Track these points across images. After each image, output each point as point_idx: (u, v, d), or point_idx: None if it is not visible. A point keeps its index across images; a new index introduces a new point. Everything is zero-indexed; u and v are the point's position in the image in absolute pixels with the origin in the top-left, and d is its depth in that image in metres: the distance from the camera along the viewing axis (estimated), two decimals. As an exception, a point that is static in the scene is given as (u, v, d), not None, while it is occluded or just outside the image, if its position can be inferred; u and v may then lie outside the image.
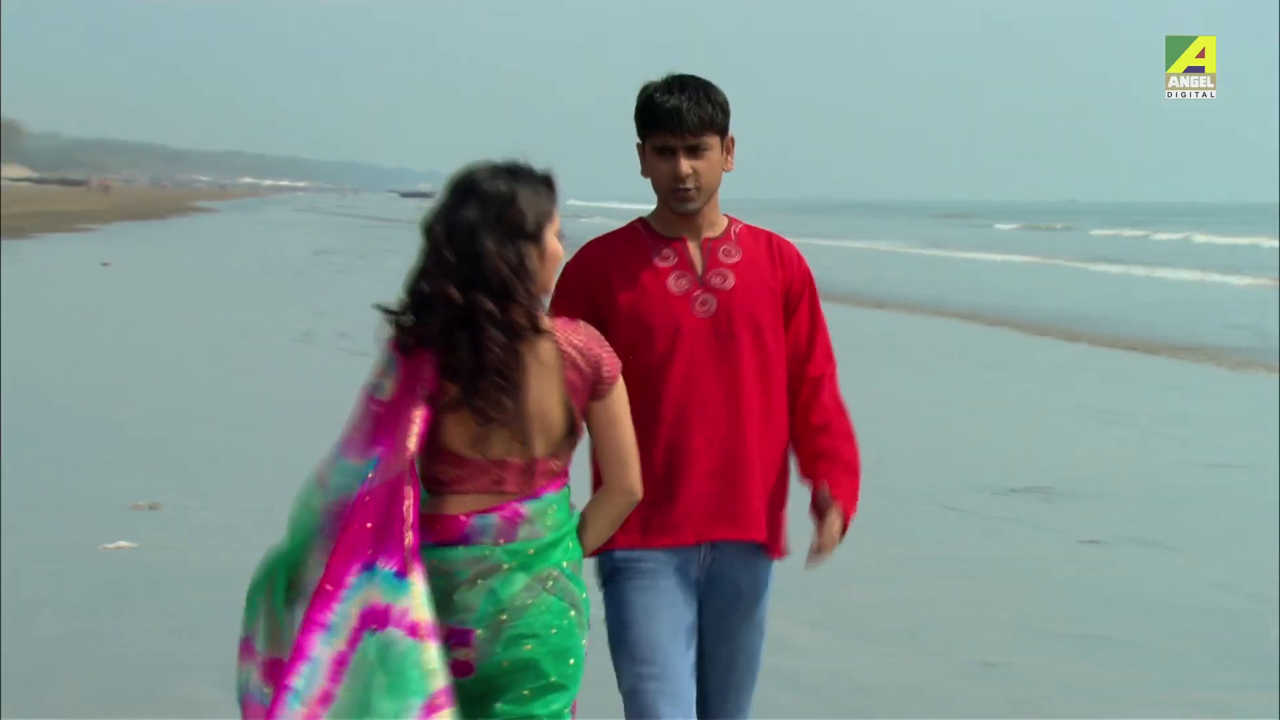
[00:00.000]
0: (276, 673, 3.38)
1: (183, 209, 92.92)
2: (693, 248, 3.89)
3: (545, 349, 3.40)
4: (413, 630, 3.26)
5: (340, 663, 3.27)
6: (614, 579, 3.84)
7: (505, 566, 3.38)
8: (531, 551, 3.40)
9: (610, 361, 3.47)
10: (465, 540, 3.39)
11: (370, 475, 3.33)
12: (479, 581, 3.38)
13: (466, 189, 3.40)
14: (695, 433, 3.82)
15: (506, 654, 3.38)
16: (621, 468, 3.49)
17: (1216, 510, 9.95)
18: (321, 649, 3.28)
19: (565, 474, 3.48)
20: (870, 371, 15.80)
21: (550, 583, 3.41)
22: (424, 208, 3.62)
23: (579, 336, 3.45)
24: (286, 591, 3.45)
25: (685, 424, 3.82)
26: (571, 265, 3.82)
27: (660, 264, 3.87)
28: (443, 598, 3.35)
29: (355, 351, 16.63)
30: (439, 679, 3.27)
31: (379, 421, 3.37)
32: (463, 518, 3.39)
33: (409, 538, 3.30)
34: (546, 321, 3.41)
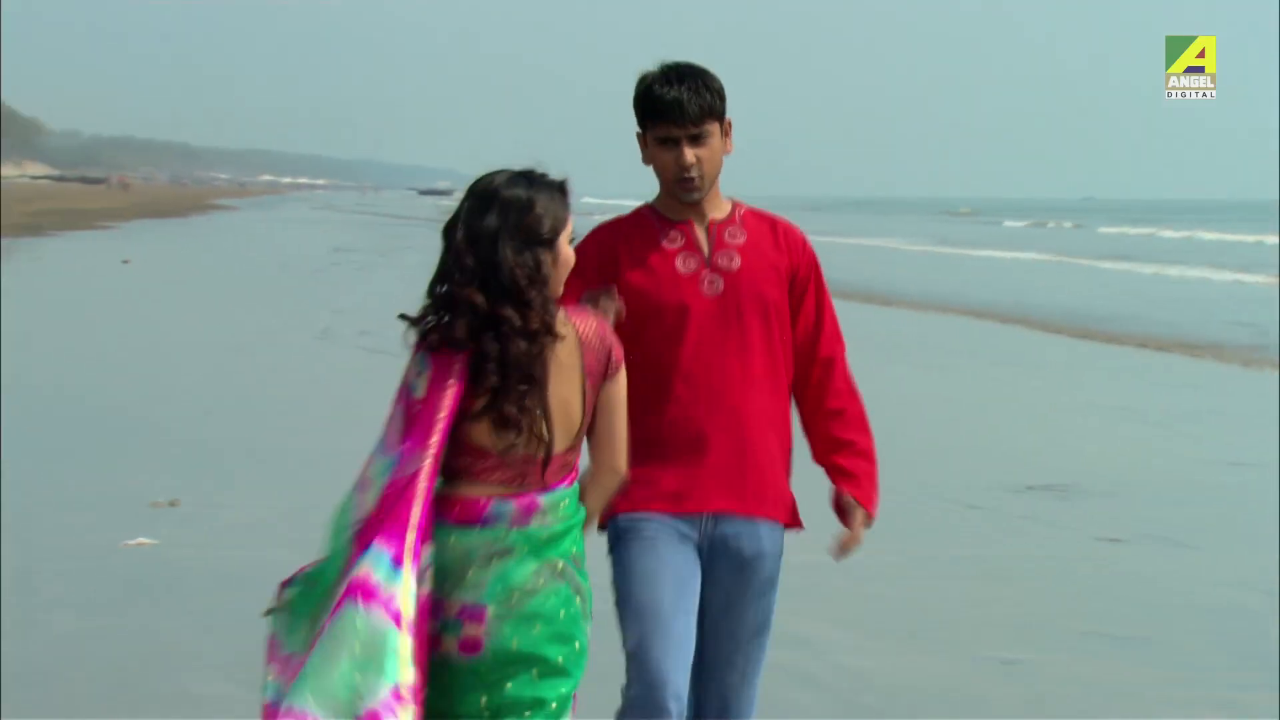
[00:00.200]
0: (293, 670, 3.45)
1: (202, 207, 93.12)
2: (699, 230, 4.00)
3: (564, 346, 3.54)
4: (396, 618, 3.33)
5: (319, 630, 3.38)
6: (619, 543, 3.95)
7: (518, 550, 3.51)
8: (545, 538, 3.53)
9: (618, 347, 3.63)
10: (483, 523, 3.51)
11: (396, 467, 3.45)
12: (493, 562, 3.50)
13: (487, 196, 3.53)
14: (702, 409, 3.93)
15: (516, 634, 3.49)
16: (614, 449, 3.65)
17: (1233, 508, 9.94)
18: None
19: (576, 468, 3.62)
20: (884, 369, 15.79)
21: (559, 569, 3.54)
22: (442, 205, 3.68)
23: (591, 322, 3.61)
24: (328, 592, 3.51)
25: (693, 400, 3.93)
26: (581, 246, 3.89)
27: (668, 246, 3.98)
28: (458, 576, 3.49)
29: (375, 349, 16.67)
30: (411, 673, 3.34)
31: (412, 419, 3.49)
32: (482, 501, 3.52)
33: (412, 534, 3.39)
34: (563, 325, 3.54)
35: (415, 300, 3.69)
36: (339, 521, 3.52)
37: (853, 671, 6.46)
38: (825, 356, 4.08)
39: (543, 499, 3.53)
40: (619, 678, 3.94)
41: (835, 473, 4.08)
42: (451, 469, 3.53)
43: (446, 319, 3.49)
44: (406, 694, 3.32)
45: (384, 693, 3.29)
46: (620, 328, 3.79)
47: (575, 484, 3.62)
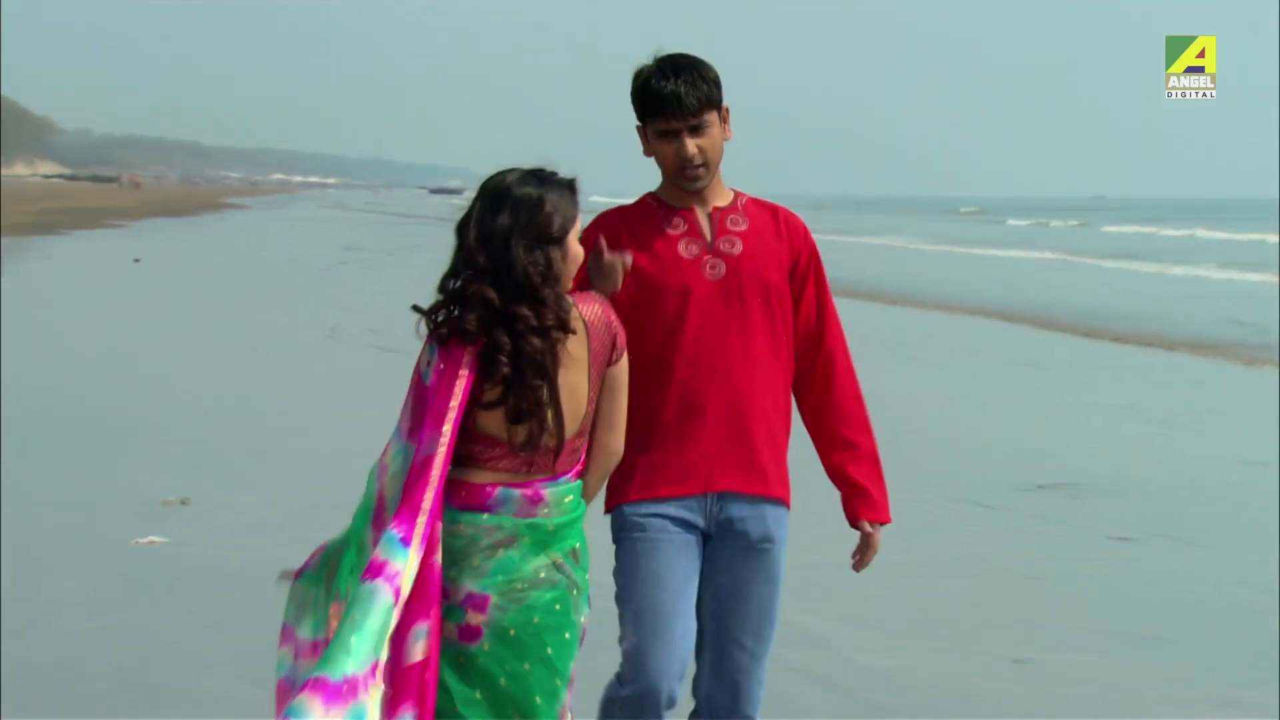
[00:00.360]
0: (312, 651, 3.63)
1: (213, 205, 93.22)
2: (701, 216, 4.07)
3: (573, 338, 3.64)
4: (396, 595, 3.43)
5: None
6: (622, 540, 4.01)
7: (522, 540, 3.60)
8: (550, 529, 3.62)
9: (622, 332, 3.74)
10: (489, 509, 3.60)
11: (412, 455, 3.56)
12: (498, 550, 3.59)
13: (499, 195, 3.63)
14: (705, 389, 3.98)
15: (514, 623, 3.58)
16: (613, 430, 3.77)
17: (1242, 507, 9.92)
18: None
19: (583, 460, 3.72)
20: (891, 369, 15.79)
21: (559, 564, 3.63)
22: (452, 204, 3.74)
23: (596, 307, 3.71)
24: (349, 574, 3.64)
25: (696, 381, 3.98)
26: (586, 233, 3.96)
27: (671, 232, 4.04)
28: (464, 561, 3.59)
29: (385, 348, 16.69)
30: (387, 653, 3.43)
31: (421, 405, 3.60)
32: (489, 487, 3.61)
33: (423, 518, 3.48)
34: (575, 321, 3.63)
35: (425, 298, 3.73)
36: (361, 507, 3.66)
37: (863, 669, 6.45)
38: (827, 351, 4.14)
39: (548, 490, 3.62)
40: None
41: (846, 486, 4.17)
42: (460, 455, 3.61)
43: (458, 312, 3.58)
44: (380, 674, 3.41)
45: (368, 666, 3.38)
46: (623, 312, 3.87)
47: (580, 479, 3.71)
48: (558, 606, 3.62)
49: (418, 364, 3.65)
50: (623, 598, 3.99)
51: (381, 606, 3.40)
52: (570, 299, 3.66)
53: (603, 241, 3.91)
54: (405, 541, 3.45)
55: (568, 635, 3.64)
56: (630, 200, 4.16)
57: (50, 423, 12.04)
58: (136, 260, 33.00)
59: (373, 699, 3.37)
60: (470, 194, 3.82)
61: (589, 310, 3.68)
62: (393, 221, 73.80)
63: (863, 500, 4.16)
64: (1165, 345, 20.16)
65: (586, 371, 3.66)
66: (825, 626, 6.96)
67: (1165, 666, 6.61)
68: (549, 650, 3.61)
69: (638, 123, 4.04)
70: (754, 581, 4.03)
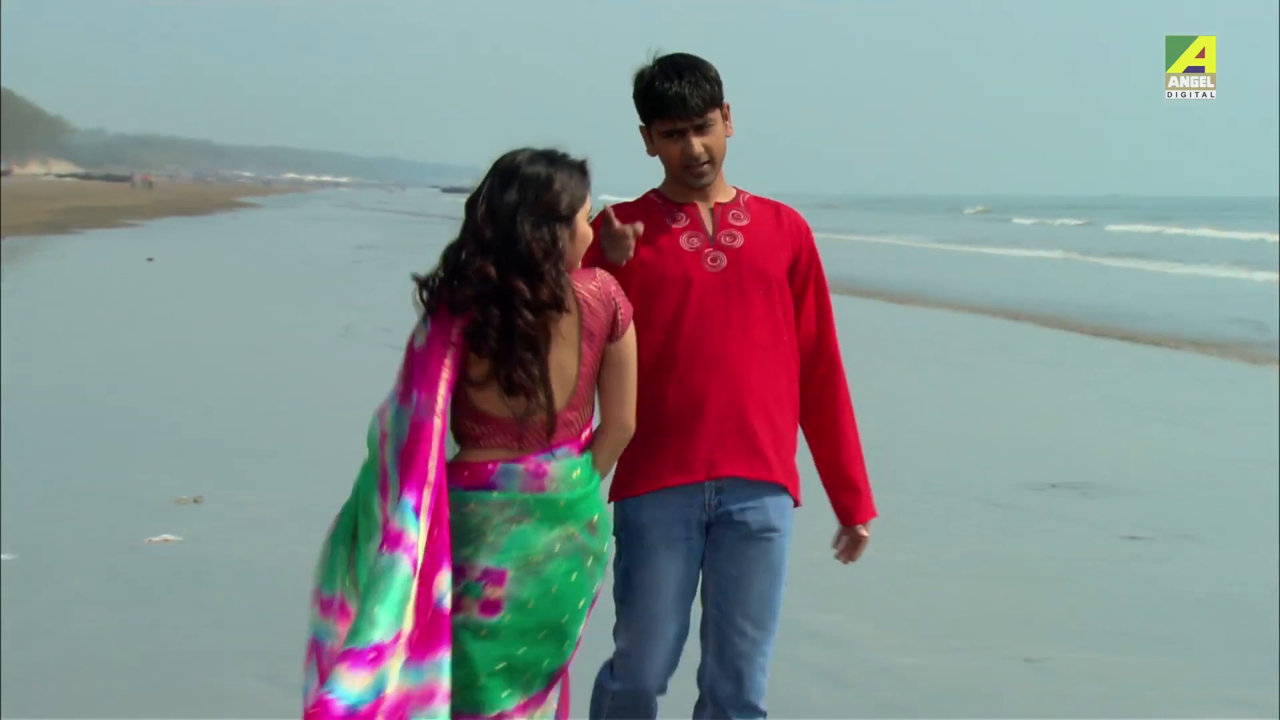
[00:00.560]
0: (341, 612, 3.72)
1: (226, 204, 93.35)
2: (704, 210, 4.12)
3: (565, 317, 3.69)
4: (414, 565, 3.50)
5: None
6: (623, 540, 4.05)
7: (534, 515, 3.66)
8: (562, 504, 3.68)
9: (625, 306, 3.76)
10: (495, 486, 3.66)
11: (408, 419, 3.63)
12: (511, 525, 3.65)
13: (509, 173, 3.69)
14: (706, 379, 4.02)
15: (532, 595, 3.64)
16: (622, 405, 3.79)
17: (1256, 506, 9.90)
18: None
19: (582, 434, 3.75)
20: (898, 368, 15.74)
21: (574, 535, 3.69)
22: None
23: (594, 283, 3.74)
24: (355, 533, 3.74)
25: (696, 371, 4.02)
26: (592, 225, 3.96)
27: (673, 225, 4.09)
28: (480, 539, 3.65)
29: (398, 347, 16.61)
30: (411, 623, 3.50)
31: (410, 367, 3.69)
32: (490, 465, 3.67)
33: (428, 490, 3.54)
34: (571, 299, 3.67)
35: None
36: (365, 467, 3.74)
37: (874, 668, 6.45)
38: (829, 355, 4.21)
39: (550, 464, 3.67)
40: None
41: (845, 486, 4.25)
42: (457, 435, 3.69)
43: (455, 283, 3.63)
44: (403, 646, 3.48)
45: (391, 636, 3.45)
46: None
47: (586, 454, 3.76)
48: (574, 576, 3.68)
49: (413, 330, 3.72)
50: (620, 598, 4.08)
51: (401, 577, 3.47)
52: (568, 277, 3.69)
53: (611, 211, 3.98)
54: (417, 510, 3.52)
55: (582, 603, 3.72)
56: (633, 198, 4.21)
57: (62, 421, 12.07)
58: (150, 259, 33.06)
59: (393, 667, 3.45)
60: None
61: (586, 287, 3.72)
62: (406, 220, 73.84)
63: (863, 499, 4.26)
64: (1172, 344, 20.13)
65: (576, 349, 3.69)
66: (836, 624, 6.96)
67: (1178, 665, 6.60)
68: (564, 618, 3.68)
69: (641, 124, 4.09)
70: (755, 570, 4.07)
